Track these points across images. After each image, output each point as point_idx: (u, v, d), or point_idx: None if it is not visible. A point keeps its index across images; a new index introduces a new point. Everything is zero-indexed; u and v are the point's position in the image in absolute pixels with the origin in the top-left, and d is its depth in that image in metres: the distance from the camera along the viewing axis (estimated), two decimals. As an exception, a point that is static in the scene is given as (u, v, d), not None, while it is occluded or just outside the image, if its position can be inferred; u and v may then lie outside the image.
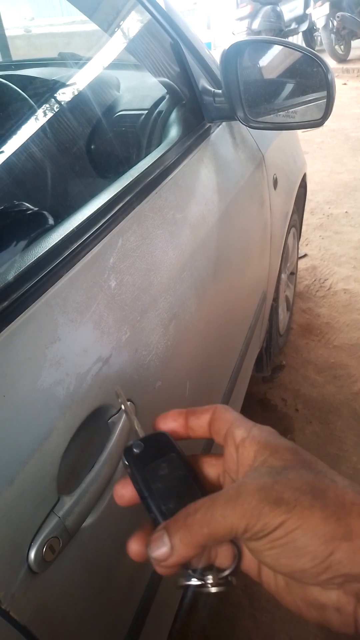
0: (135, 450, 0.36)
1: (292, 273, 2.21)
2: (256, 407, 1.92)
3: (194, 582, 0.32)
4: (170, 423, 0.38)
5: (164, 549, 0.30)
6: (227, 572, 0.33)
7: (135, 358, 0.66)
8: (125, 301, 0.66)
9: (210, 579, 0.32)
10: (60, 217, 0.70)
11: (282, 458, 0.32)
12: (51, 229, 0.67)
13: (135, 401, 0.64)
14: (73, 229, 0.64)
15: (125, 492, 0.35)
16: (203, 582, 0.32)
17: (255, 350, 1.66)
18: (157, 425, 0.39)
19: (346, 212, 3.32)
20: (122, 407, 0.42)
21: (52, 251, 0.59)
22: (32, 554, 0.45)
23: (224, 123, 1.17)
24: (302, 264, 2.77)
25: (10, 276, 0.54)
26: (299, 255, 2.70)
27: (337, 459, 1.68)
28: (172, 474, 0.35)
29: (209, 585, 0.32)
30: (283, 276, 1.93)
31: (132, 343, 0.65)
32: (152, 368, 0.69)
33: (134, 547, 0.33)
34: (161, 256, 0.76)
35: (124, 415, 0.61)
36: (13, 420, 0.47)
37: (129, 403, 0.43)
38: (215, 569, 0.33)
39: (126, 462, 0.36)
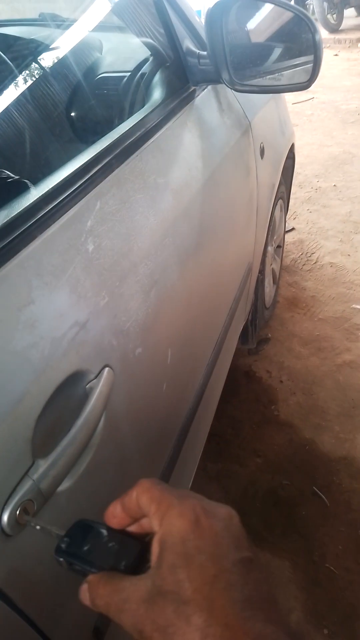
0: (62, 546, 0.39)
1: (279, 246, 2.20)
2: (241, 379, 1.93)
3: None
4: (112, 520, 0.38)
5: (86, 601, 0.36)
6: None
7: (114, 324, 0.64)
8: (103, 265, 0.64)
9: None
10: (39, 180, 0.68)
11: (160, 576, 0.32)
12: (27, 190, 0.65)
13: (114, 367, 0.63)
14: (48, 190, 0.62)
15: (86, 601, 0.36)
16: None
17: (241, 323, 1.65)
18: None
19: (334, 185, 3.29)
20: (35, 527, 0.45)
21: (25, 212, 0.57)
22: (4, 517, 0.45)
23: (209, 87, 1.14)
24: (289, 237, 2.76)
25: (-18, 237, 0.53)
26: (286, 229, 2.69)
27: (320, 429, 1.71)
28: (102, 544, 0.38)
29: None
30: (269, 249, 1.91)
31: (111, 308, 0.64)
32: (132, 334, 0.68)
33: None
34: (142, 221, 0.74)
35: (102, 381, 0.60)
36: (-16, 383, 0.45)
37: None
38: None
39: (60, 560, 0.39)
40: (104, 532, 0.38)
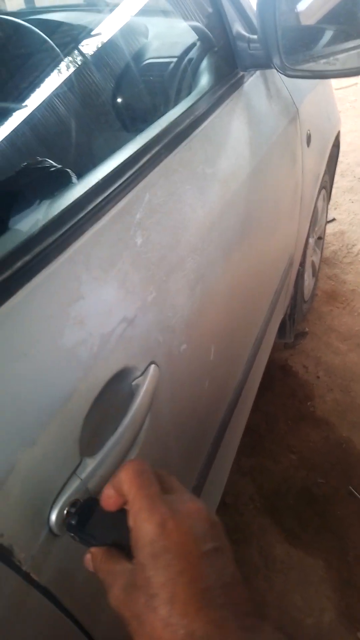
0: (72, 522, 0.43)
1: (319, 237, 2.13)
2: (278, 373, 1.90)
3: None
4: (108, 501, 0.41)
5: (90, 569, 0.40)
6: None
7: (160, 320, 0.63)
8: (151, 260, 0.62)
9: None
10: (86, 171, 0.67)
11: (136, 571, 0.36)
12: (76, 182, 0.63)
13: (159, 364, 0.61)
14: (98, 182, 0.60)
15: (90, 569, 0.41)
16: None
17: (280, 316, 1.62)
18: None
19: (378, 175, 3.17)
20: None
21: (75, 204, 0.56)
22: (53, 517, 0.44)
23: (258, 72, 1.10)
24: (330, 228, 2.68)
25: (33, 230, 0.52)
26: (328, 219, 2.61)
27: (357, 428, 1.66)
28: (104, 521, 0.42)
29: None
30: (310, 240, 1.86)
31: (158, 304, 0.62)
32: (177, 330, 0.67)
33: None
34: (189, 213, 0.72)
35: (148, 378, 0.59)
36: (34, 380, 0.45)
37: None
38: None
39: (71, 534, 0.43)
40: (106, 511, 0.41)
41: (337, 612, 1.27)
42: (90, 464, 0.49)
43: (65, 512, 0.45)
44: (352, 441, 1.63)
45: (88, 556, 0.41)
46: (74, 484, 0.47)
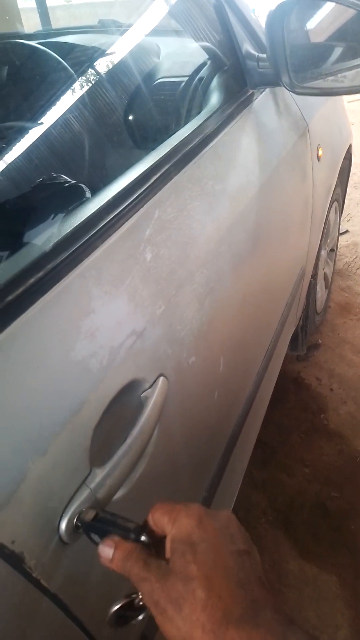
0: (91, 522, 0.45)
1: (332, 249, 2.14)
2: (290, 386, 1.89)
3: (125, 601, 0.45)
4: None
5: (107, 554, 0.42)
6: None
7: (169, 333, 0.64)
8: (160, 274, 0.64)
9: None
10: (98, 188, 0.69)
11: (173, 561, 0.39)
12: (88, 200, 0.65)
13: (168, 377, 0.63)
14: (109, 200, 0.62)
15: (107, 554, 0.42)
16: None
17: (291, 328, 1.62)
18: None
19: (392, 186, 3.17)
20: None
21: (87, 222, 0.58)
22: (63, 525, 0.45)
23: (267, 90, 1.12)
24: (343, 240, 2.68)
25: (46, 247, 0.54)
26: (340, 231, 2.61)
27: (372, 442, 1.65)
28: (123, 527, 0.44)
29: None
30: (323, 252, 1.86)
31: (167, 317, 0.64)
32: (186, 343, 0.68)
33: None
34: (198, 229, 0.74)
35: (156, 390, 0.60)
36: (46, 392, 0.46)
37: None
38: None
39: (91, 535, 0.45)
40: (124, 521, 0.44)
41: (352, 629, 1.25)
42: (100, 474, 0.50)
43: (75, 520, 0.46)
44: (367, 455, 1.62)
45: (109, 544, 0.42)
46: (84, 494, 0.48)
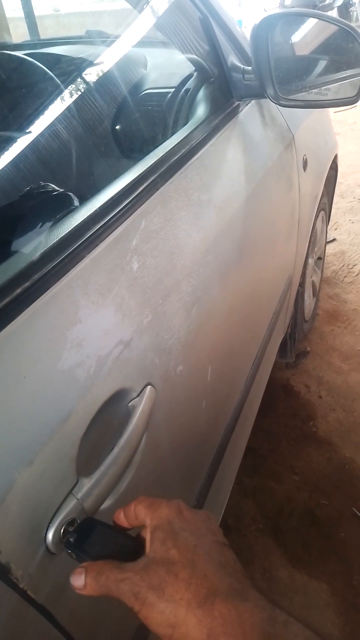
0: (71, 540, 0.44)
1: (319, 258, 2.16)
2: (279, 393, 1.90)
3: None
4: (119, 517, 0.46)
5: (79, 582, 0.41)
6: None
7: (156, 342, 0.65)
8: (147, 284, 0.64)
9: None
10: (85, 198, 0.69)
11: (152, 550, 0.40)
12: (75, 209, 0.66)
13: (156, 386, 0.63)
14: (96, 210, 0.63)
15: (79, 582, 0.41)
16: None
17: (280, 336, 1.63)
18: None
19: (378, 195, 3.22)
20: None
21: (74, 232, 0.59)
22: (49, 535, 0.45)
23: (253, 101, 1.14)
24: (330, 248, 2.71)
25: (33, 256, 0.54)
26: (328, 240, 2.64)
27: (361, 448, 1.66)
28: (103, 539, 0.44)
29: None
30: (310, 261, 1.88)
31: (154, 327, 0.64)
32: (173, 352, 0.68)
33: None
34: (185, 238, 0.75)
35: (144, 399, 0.60)
36: (33, 402, 0.46)
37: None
38: None
39: (69, 551, 0.44)
40: (105, 529, 0.44)
41: (342, 636, 1.25)
42: (87, 483, 0.50)
43: (62, 531, 0.46)
44: (356, 462, 1.62)
45: (79, 570, 0.41)
46: (71, 504, 0.48)
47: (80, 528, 0.46)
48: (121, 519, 0.45)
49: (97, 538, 0.44)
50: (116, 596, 0.39)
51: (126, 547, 0.43)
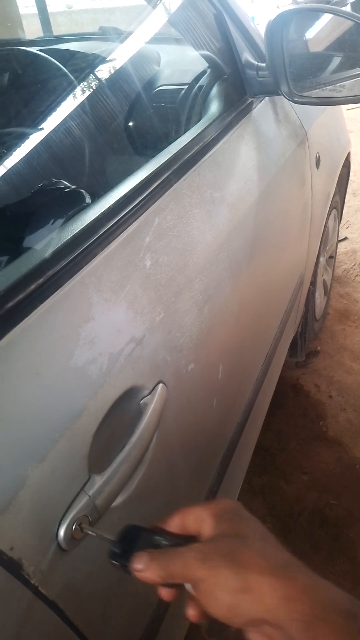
0: (116, 551, 0.42)
1: (331, 256, 2.14)
2: (289, 392, 1.89)
3: None
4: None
5: (140, 565, 0.40)
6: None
7: (168, 339, 0.65)
8: (160, 281, 0.64)
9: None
10: (98, 195, 0.69)
11: (221, 528, 0.40)
12: (88, 206, 0.66)
13: (167, 383, 0.63)
14: (109, 207, 0.62)
15: (140, 565, 0.41)
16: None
17: (290, 335, 1.62)
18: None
19: (390, 194, 3.18)
20: (92, 533, 0.47)
21: (87, 229, 0.58)
22: (61, 532, 0.45)
23: (266, 98, 1.13)
24: (341, 247, 2.69)
25: (46, 253, 0.54)
26: (339, 238, 2.62)
27: (371, 449, 1.65)
28: (153, 545, 0.42)
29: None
30: (321, 259, 1.87)
31: (166, 324, 0.64)
32: (185, 350, 0.68)
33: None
34: (198, 236, 0.74)
35: (155, 397, 0.60)
36: (46, 398, 0.46)
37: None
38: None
39: (116, 563, 0.42)
40: (151, 534, 0.43)
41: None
42: (98, 480, 0.50)
43: (73, 527, 0.46)
44: (365, 462, 1.61)
45: (141, 554, 0.41)
46: (82, 500, 0.48)
47: (124, 536, 0.43)
48: (169, 526, 0.44)
49: (145, 544, 0.42)
50: (179, 572, 0.39)
51: (180, 545, 0.42)
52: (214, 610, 0.37)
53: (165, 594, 0.42)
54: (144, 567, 0.40)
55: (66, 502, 0.47)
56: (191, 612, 0.40)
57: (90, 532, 0.47)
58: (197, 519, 0.42)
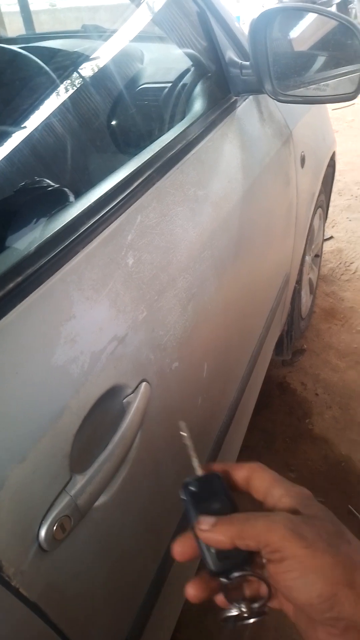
0: (191, 488, 0.41)
1: (316, 255, 2.16)
2: (275, 391, 1.90)
3: (233, 612, 0.38)
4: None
5: (206, 525, 0.38)
6: (259, 604, 0.38)
7: (151, 338, 0.64)
8: (142, 279, 0.64)
9: (245, 609, 0.38)
10: (80, 193, 0.69)
11: (312, 511, 0.38)
12: (69, 204, 0.65)
13: (151, 382, 0.63)
14: (91, 204, 0.62)
15: (184, 549, 0.40)
16: (240, 611, 0.38)
17: (276, 333, 1.63)
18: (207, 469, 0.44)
19: (375, 193, 3.21)
20: (186, 443, 0.45)
21: (68, 226, 0.58)
22: (42, 532, 0.45)
23: (251, 97, 1.13)
24: (327, 246, 2.70)
25: (26, 251, 0.53)
26: (325, 237, 2.64)
27: (357, 445, 1.66)
28: (222, 514, 0.39)
29: (245, 615, 0.38)
30: (307, 258, 1.88)
31: (149, 322, 0.64)
32: (169, 349, 0.68)
33: (177, 548, 0.40)
34: (181, 234, 0.74)
35: (139, 396, 0.60)
36: (26, 397, 0.46)
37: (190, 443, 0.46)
38: (249, 601, 0.39)
39: (183, 498, 0.41)
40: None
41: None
42: (80, 480, 0.50)
43: (54, 528, 0.46)
44: (351, 459, 1.62)
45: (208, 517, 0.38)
46: (64, 500, 0.47)
47: (205, 479, 0.42)
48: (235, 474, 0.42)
49: (216, 506, 0.40)
50: (258, 536, 0.36)
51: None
52: (298, 594, 0.34)
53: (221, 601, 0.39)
54: (208, 527, 0.38)
55: (47, 502, 0.46)
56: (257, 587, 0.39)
57: (184, 441, 0.45)
58: (270, 485, 0.40)
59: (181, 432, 0.45)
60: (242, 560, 0.38)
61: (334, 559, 0.34)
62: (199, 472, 0.42)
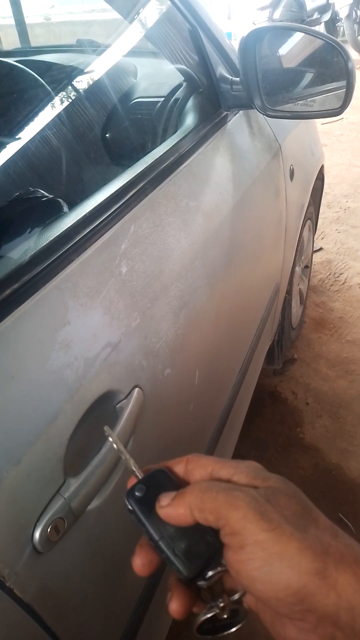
0: (137, 493, 0.37)
1: (306, 266, 2.19)
2: (266, 400, 1.91)
3: (210, 614, 0.35)
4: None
5: (167, 499, 0.35)
6: (239, 594, 0.35)
7: (144, 345, 0.66)
8: (135, 287, 0.65)
9: (223, 603, 0.35)
10: (75, 204, 0.70)
11: (271, 483, 0.34)
12: (65, 214, 0.67)
13: (143, 388, 0.64)
14: (85, 214, 0.64)
15: (144, 561, 0.37)
16: (218, 609, 0.34)
17: (267, 343, 1.65)
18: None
19: (364, 206, 3.27)
20: (116, 447, 0.42)
21: (63, 235, 0.59)
22: (36, 534, 0.46)
23: (241, 112, 1.16)
24: (317, 257, 2.74)
25: (22, 259, 0.55)
26: (314, 249, 2.67)
27: (347, 454, 1.67)
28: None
29: (225, 615, 0.35)
30: (297, 269, 1.91)
31: (142, 330, 0.65)
32: (161, 355, 0.69)
33: (137, 561, 0.37)
34: (173, 244, 0.76)
35: (132, 401, 0.61)
36: (21, 402, 0.47)
37: (123, 446, 0.44)
38: (227, 595, 0.35)
39: (130, 507, 0.37)
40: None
41: None
42: (74, 483, 0.51)
43: (49, 529, 0.46)
44: (342, 468, 1.64)
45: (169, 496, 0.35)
46: (58, 503, 0.48)
47: (151, 480, 0.38)
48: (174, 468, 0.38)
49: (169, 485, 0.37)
50: (217, 510, 0.32)
51: None
52: (262, 586, 0.30)
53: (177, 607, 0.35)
54: (168, 501, 0.34)
55: (41, 504, 0.47)
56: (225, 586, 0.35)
57: (115, 447, 0.42)
58: (214, 470, 0.36)
59: (109, 438, 0.42)
60: (212, 554, 0.35)
61: (301, 544, 0.30)
62: (139, 473, 0.39)
